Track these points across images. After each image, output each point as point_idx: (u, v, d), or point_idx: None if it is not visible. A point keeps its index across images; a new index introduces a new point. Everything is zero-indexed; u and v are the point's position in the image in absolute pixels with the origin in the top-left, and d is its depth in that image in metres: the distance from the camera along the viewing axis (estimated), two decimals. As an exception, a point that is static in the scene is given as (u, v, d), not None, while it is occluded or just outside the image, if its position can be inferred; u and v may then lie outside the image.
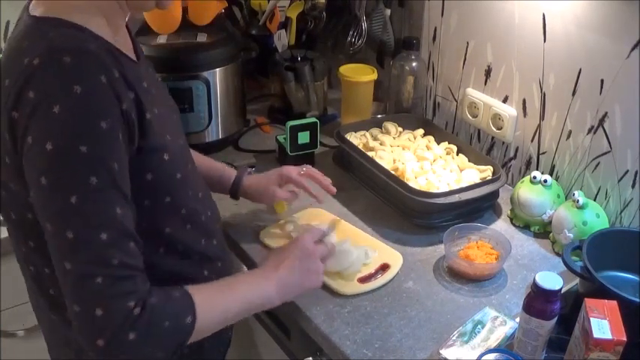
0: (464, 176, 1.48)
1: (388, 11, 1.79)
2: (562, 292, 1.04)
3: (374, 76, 1.77)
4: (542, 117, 1.50)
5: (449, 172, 1.50)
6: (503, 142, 1.62)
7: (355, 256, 1.26)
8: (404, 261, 1.31)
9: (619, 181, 1.36)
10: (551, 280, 1.03)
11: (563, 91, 1.43)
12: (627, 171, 1.34)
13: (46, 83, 0.81)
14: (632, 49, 1.26)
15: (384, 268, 1.28)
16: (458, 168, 1.52)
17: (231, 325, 1.22)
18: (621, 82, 1.30)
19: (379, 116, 1.78)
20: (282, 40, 1.88)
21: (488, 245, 1.33)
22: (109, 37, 0.90)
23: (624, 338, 0.95)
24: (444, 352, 1.07)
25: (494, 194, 1.48)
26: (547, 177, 1.39)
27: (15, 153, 0.85)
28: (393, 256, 1.32)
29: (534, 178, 1.40)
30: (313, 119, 1.62)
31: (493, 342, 1.09)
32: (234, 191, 1.33)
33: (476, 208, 1.45)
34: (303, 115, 1.78)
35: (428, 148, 1.59)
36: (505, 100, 1.58)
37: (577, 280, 1.20)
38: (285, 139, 1.60)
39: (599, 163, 1.40)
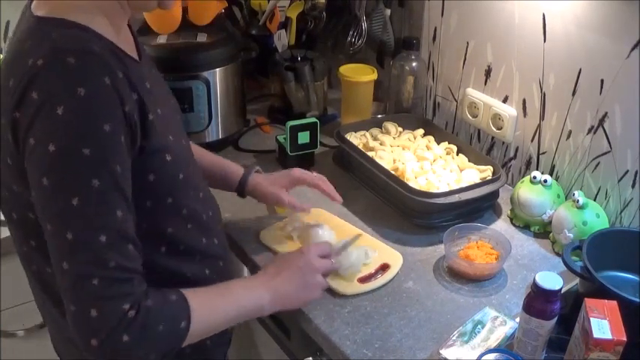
0: (464, 176, 1.48)
1: (388, 11, 1.79)
2: (562, 292, 1.04)
3: (374, 76, 1.77)
4: (542, 117, 1.50)
5: (449, 172, 1.50)
6: (503, 142, 1.62)
7: (355, 256, 1.26)
8: (404, 261, 1.31)
9: (619, 181, 1.36)
10: (551, 280, 1.03)
11: (563, 91, 1.43)
12: (627, 171, 1.34)
13: (50, 84, 0.81)
14: (632, 49, 1.26)
15: (384, 268, 1.28)
16: (458, 168, 1.52)
17: (231, 329, 1.23)
18: (621, 82, 1.30)
19: (379, 116, 1.78)
20: (282, 40, 1.88)
21: (488, 245, 1.33)
22: (112, 37, 0.90)
23: (624, 338, 0.95)
24: (444, 352, 1.07)
25: (494, 194, 1.48)
26: (547, 177, 1.39)
27: (17, 153, 0.85)
28: (393, 256, 1.32)
29: (534, 178, 1.40)
30: (313, 119, 1.62)
31: (493, 342, 1.09)
32: (241, 190, 1.32)
33: (476, 208, 1.45)
34: (303, 115, 1.78)
35: (428, 148, 1.59)
36: (505, 100, 1.58)
37: (577, 280, 1.20)
38: (285, 139, 1.60)
39: (599, 163, 1.40)
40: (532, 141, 1.54)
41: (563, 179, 1.48)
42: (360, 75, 1.76)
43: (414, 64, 1.74)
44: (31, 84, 0.81)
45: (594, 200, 1.39)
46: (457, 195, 1.38)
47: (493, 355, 1.03)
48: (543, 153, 1.52)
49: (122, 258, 0.84)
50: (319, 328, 1.15)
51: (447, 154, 1.58)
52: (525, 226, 1.44)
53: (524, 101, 1.53)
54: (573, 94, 1.41)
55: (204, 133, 1.66)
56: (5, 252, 1.42)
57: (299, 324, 1.21)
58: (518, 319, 1.10)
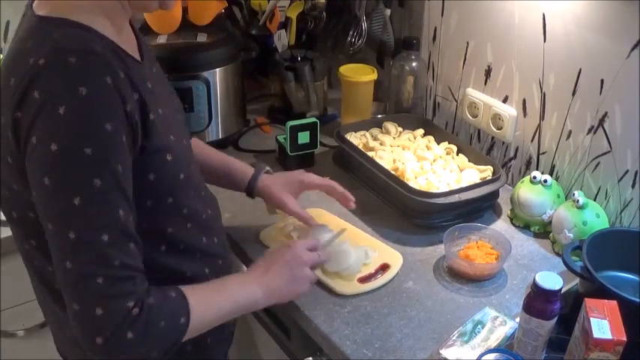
0: (464, 176, 1.48)
1: (388, 11, 1.79)
2: (562, 292, 1.04)
3: (374, 76, 1.77)
4: (542, 117, 1.50)
5: (449, 172, 1.50)
6: (503, 142, 1.62)
7: (355, 256, 1.26)
8: (404, 261, 1.31)
9: (619, 181, 1.36)
10: (551, 280, 1.03)
11: (563, 91, 1.43)
12: (627, 171, 1.34)
13: (52, 84, 0.81)
14: (632, 49, 1.26)
15: (384, 268, 1.28)
16: (458, 168, 1.52)
17: (233, 323, 1.23)
18: (621, 82, 1.30)
19: (379, 116, 1.79)
20: (282, 40, 1.88)
21: (488, 245, 1.33)
22: (113, 37, 0.90)
23: (624, 338, 0.95)
24: (444, 352, 1.07)
25: (494, 194, 1.48)
26: (547, 177, 1.39)
27: (18, 152, 0.85)
28: (393, 256, 1.32)
29: (534, 178, 1.40)
30: (313, 119, 1.62)
31: (493, 342, 1.09)
32: (250, 191, 1.31)
33: (476, 208, 1.45)
34: (303, 115, 1.78)
35: (428, 148, 1.59)
36: (505, 100, 1.58)
37: (577, 280, 1.20)
38: (285, 139, 1.60)
39: (599, 163, 1.40)
40: (532, 141, 1.54)
41: (563, 179, 1.48)
42: (360, 75, 1.76)
43: (414, 64, 1.74)
44: (33, 83, 0.81)
45: (594, 200, 1.39)
46: (457, 195, 1.38)
47: (493, 355, 1.03)
48: (543, 153, 1.52)
49: (125, 256, 0.85)
50: (319, 328, 1.15)
51: (447, 154, 1.58)
52: (525, 226, 1.44)
53: (524, 101, 1.53)
54: (573, 94, 1.41)
55: (204, 133, 1.66)
56: (5, 252, 1.42)
57: (299, 324, 1.21)
58: (518, 319, 1.10)
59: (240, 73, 1.72)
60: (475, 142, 1.70)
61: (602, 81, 1.34)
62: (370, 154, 1.54)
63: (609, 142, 1.36)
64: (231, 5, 1.85)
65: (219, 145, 1.70)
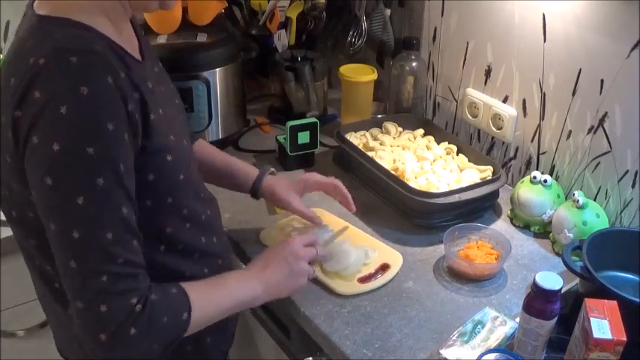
0: (464, 176, 1.48)
1: (388, 11, 1.79)
2: (562, 292, 1.04)
3: (374, 76, 1.77)
4: (542, 117, 1.50)
5: (449, 172, 1.50)
6: (503, 142, 1.62)
7: (355, 256, 1.26)
8: (404, 261, 1.31)
9: (619, 181, 1.36)
10: (551, 280, 1.03)
11: (563, 91, 1.43)
12: (627, 171, 1.34)
13: (53, 84, 0.81)
14: (632, 49, 1.26)
15: (384, 268, 1.28)
16: (458, 168, 1.52)
17: (234, 323, 1.23)
18: (621, 82, 1.30)
19: (379, 116, 1.79)
20: (282, 40, 1.88)
21: (488, 245, 1.33)
22: (114, 37, 0.90)
23: (624, 338, 0.95)
24: (444, 352, 1.07)
25: (494, 194, 1.48)
26: (547, 177, 1.39)
27: (16, 152, 0.85)
28: (393, 256, 1.32)
29: (534, 178, 1.40)
30: (313, 119, 1.62)
31: (493, 342, 1.09)
32: (254, 192, 1.31)
33: (476, 208, 1.45)
34: (303, 115, 1.78)
35: (428, 148, 1.59)
36: (505, 100, 1.58)
37: (577, 280, 1.20)
38: (285, 139, 1.60)
39: (599, 163, 1.40)
40: (532, 141, 1.54)
41: (563, 179, 1.48)
42: (360, 75, 1.76)
43: (414, 64, 1.74)
44: (34, 83, 0.81)
45: (594, 200, 1.39)
46: (457, 195, 1.38)
47: (493, 355, 1.03)
48: (543, 153, 1.52)
49: (128, 253, 0.86)
50: (319, 328, 1.15)
51: (447, 154, 1.58)
52: (525, 226, 1.44)
53: (524, 101, 1.53)
54: (573, 94, 1.41)
55: (205, 133, 1.66)
56: (5, 252, 1.42)
57: (299, 324, 1.21)
58: (518, 319, 1.10)
59: (240, 73, 1.72)
60: (475, 142, 1.70)
61: (602, 81, 1.34)
62: (370, 154, 1.54)
63: (609, 142, 1.36)
64: (231, 5, 1.85)
65: (219, 145, 1.70)
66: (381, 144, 1.60)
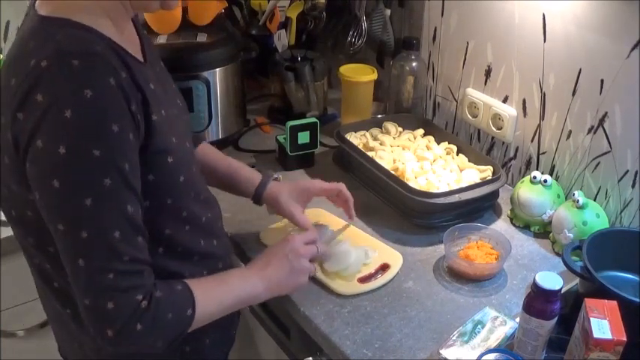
0: (464, 176, 1.48)
1: (388, 11, 1.79)
2: (562, 292, 1.04)
3: (374, 76, 1.77)
4: (542, 117, 1.50)
5: (449, 172, 1.50)
6: (503, 142, 1.62)
7: (355, 256, 1.26)
8: (404, 261, 1.31)
9: (619, 181, 1.36)
10: (551, 280, 1.03)
11: (563, 91, 1.43)
12: (627, 171, 1.34)
13: (56, 87, 0.81)
14: (632, 49, 1.26)
15: (384, 268, 1.28)
16: (458, 168, 1.52)
17: (235, 323, 1.23)
18: (621, 82, 1.30)
19: (379, 116, 1.79)
20: (282, 40, 1.88)
21: (488, 245, 1.33)
22: (115, 38, 0.90)
23: (624, 338, 0.95)
24: (444, 352, 1.07)
25: (494, 194, 1.48)
26: (547, 177, 1.39)
27: (17, 154, 0.86)
28: (393, 256, 1.32)
29: (534, 178, 1.40)
30: (313, 119, 1.62)
31: (493, 342, 1.09)
32: (258, 198, 1.30)
33: (476, 208, 1.45)
34: (303, 115, 1.78)
35: (428, 148, 1.59)
36: (505, 100, 1.58)
37: (577, 280, 1.20)
38: (285, 139, 1.60)
39: (599, 163, 1.40)
40: (532, 141, 1.54)
41: (563, 179, 1.48)
42: (360, 75, 1.76)
43: (414, 64, 1.74)
44: (36, 86, 0.82)
45: (594, 200, 1.39)
46: (457, 195, 1.38)
47: (493, 355, 1.03)
48: (543, 153, 1.52)
49: (134, 250, 0.88)
50: (319, 328, 1.15)
51: (447, 154, 1.58)
52: (525, 226, 1.44)
53: (524, 101, 1.53)
54: (573, 94, 1.41)
55: (205, 133, 1.66)
56: (5, 252, 1.42)
57: (299, 324, 1.21)
58: (518, 319, 1.10)
59: (240, 73, 1.72)
60: (475, 142, 1.70)
61: (602, 81, 1.34)
62: (370, 154, 1.54)
63: (609, 142, 1.36)
64: (231, 5, 1.85)
65: (219, 145, 1.70)
66: (381, 144, 1.60)
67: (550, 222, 1.38)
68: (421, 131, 1.67)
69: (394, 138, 1.65)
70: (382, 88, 1.86)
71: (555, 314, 1.04)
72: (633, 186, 1.34)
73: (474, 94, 1.65)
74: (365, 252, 1.29)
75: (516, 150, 1.59)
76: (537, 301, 1.03)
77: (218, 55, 1.63)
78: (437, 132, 1.66)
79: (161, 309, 0.90)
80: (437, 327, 1.16)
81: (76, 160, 0.82)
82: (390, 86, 1.80)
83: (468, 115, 1.67)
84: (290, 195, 1.29)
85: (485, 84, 1.62)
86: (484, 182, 1.44)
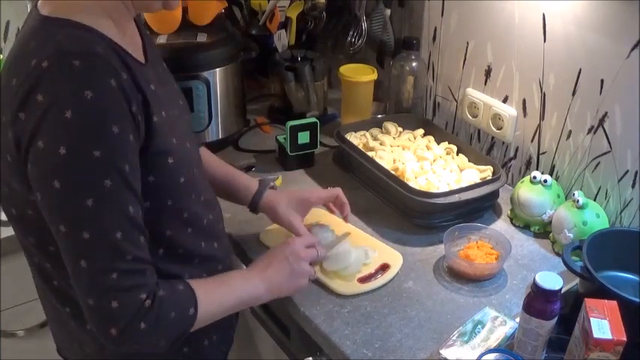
0: (464, 176, 1.48)
1: (388, 11, 1.79)
2: (562, 292, 1.04)
3: (374, 76, 1.77)
4: (542, 117, 1.50)
5: (449, 172, 1.50)
6: (503, 142, 1.62)
7: (355, 256, 1.26)
8: (404, 261, 1.31)
9: (619, 181, 1.36)
10: (551, 280, 1.03)
11: (563, 91, 1.43)
12: (627, 171, 1.34)
13: (57, 87, 0.81)
14: (632, 49, 1.26)
15: (384, 268, 1.28)
16: (458, 168, 1.52)
17: (234, 324, 1.24)
18: (621, 82, 1.30)
19: (379, 116, 1.79)
20: (282, 40, 1.88)
21: (488, 245, 1.33)
22: (116, 38, 0.90)
23: (624, 338, 0.95)
24: (444, 352, 1.07)
25: (494, 194, 1.48)
26: (547, 177, 1.39)
27: (18, 154, 0.86)
28: (393, 256, 1.32)
29: (534, 178, 1.40)
30: (313, 119, 1.62)
31: (493, 342, 1.09)
32: (254, 206, 1.29)
33: (476, 208, 1.45)
34: (303, 115, 1.78)
35: (428, 148, 1.59)
36: (505, 100, 1.58)
37: (577, 280, 1.20)
38: (285, 139, 1.60)
39: (599, 163, 1.40)
40: (532, 141, 1.54)
41: (563, 179, 1.48)
42: (360, 75, 1.76)
43: (414, 64, 1.74)
44: (37, 86, 0.82)
45: (594, 200, 1.39)
46: (457, 195, 1.38)
47: (493, 355, 1.03)
48: (543, 153, 1.52)
49: (136, 249, 0.88)
50: (319, 328, 1.15)
51: (447, 154, 1.58)
52: (525, 226, 1.44)
53: (524, 101, 1.53)
54: (573, 94, 1.41)
55: (205, 133, 1.66)
56: (5, 252, 1.42)
57: (299, 324, 1.21)
58: (518, 319, 1.10)
59: (240, 73, 1.72)
60: (475, 142, 1.70)
61: (602, 81, 1.34)
62: (370, 154, 1.54)
63: (609, 142, 1.36)
64: (231, 5, 1.85)
65: (219, 145, 1.70)
66: (381, 144, 1.60)
67: (550, 222, 1.38)
68: (421, 131, 1.67)
69: (394, 138, 1.65)
70: (382, 88, 1.86)
71: (555, 314, 1.04)
72: (633, 186, 1.34)
73: (474, 94, 1.65)
74: (365, 252, 1.29)
75: (516, 150, 1.59)
76: (537, 301, 1.03)
77: (218, 55, 1.63)
78: (437, 132, 1.66)
79: (164, 308, 0.91)
80: (437, 327, 1.16)
81: (77, 160, 0.82)
82: (390, 86, 1.80)
83: (468, 115, 1.67)
84: (289, 204, 1.28)
85: (485, 84, 1.62)
86: (484, 182, 1.44)
